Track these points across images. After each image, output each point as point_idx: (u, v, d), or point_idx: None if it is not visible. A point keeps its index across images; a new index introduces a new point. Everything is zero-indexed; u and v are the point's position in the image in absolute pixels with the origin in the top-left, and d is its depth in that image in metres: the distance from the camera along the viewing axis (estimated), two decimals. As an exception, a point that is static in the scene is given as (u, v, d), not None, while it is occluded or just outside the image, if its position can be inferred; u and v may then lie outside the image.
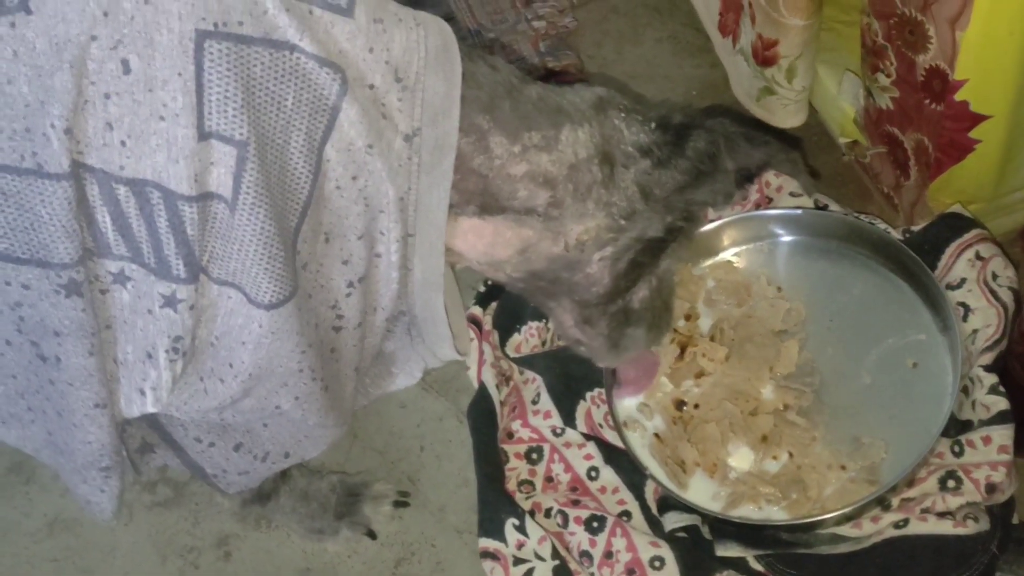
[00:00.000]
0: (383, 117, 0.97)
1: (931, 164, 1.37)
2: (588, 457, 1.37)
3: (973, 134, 1.29)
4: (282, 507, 1.37)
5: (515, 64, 1.20)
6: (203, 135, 0.88)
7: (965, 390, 1.29)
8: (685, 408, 1.36)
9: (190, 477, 1.34)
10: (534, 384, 1.42)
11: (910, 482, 1.25)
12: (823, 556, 1.24)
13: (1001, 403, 1.25)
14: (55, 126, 0.85)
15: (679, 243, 1.19)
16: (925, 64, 1.28)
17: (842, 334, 1.39)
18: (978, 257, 1.35)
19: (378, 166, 0.98)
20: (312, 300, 1.03)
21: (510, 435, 1.40)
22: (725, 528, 1.26)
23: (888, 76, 1.36)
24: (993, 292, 1.32)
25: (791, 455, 1.30)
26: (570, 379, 1.41)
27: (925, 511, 1.21)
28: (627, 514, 1.33)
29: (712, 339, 1.39)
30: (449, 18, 1.47)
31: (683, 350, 1.39)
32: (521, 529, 1.30)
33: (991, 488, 1.21)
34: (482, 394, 1.43)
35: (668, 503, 1.30)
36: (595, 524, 1.29)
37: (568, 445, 1.38)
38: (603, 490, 1.35)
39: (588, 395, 1.40)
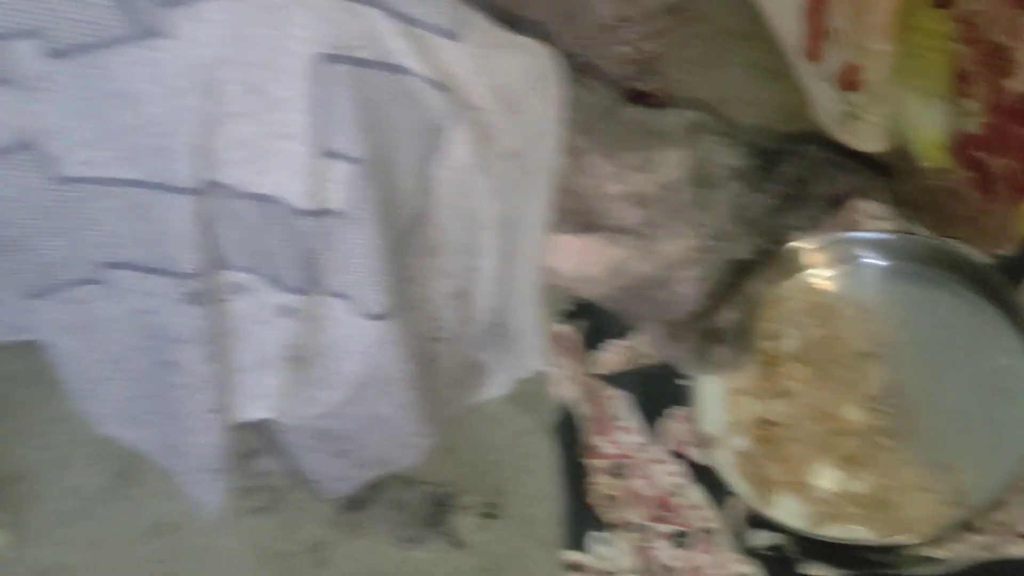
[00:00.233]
0: (488, 137, 1.02)
1: (1020, 189, 1.37)
2: (672, 474, 1.39)
3: (1063, 159, 1.30)
4: (375, 515, 1.41)
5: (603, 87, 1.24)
6: (321, 153, 0.93)
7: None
8: (769, 427, 1.38)
9: (286, 484, 1.39)
10: (618, 401, 1.45)
11: (999, 505, 1.25)
12: (910, 578, 1.25)
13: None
14: (186, 144, 0.90)
15: (767, 265, 1.22)
16: (1014, 90, 1.29)
17: (928, 356, 1.40)
18: (1068, 281, 1.36)
19: (482, 184, 1.03)
20: (415, 312, 1.08)
21: (594, 450, 1.43)
22: (812, 547, 1.28)
23: (976, 102, 1.38)
24: (1083, 316, 1.33)
25: (877, 476, 1.31)
26: (655, 397, 1.43)
27: (1020, 535, 1.21)
28: (712, 530, 1.35)
29: (796, 359, 1.40)
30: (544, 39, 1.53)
31: (767, 369, 1.41)
32: (605, 542, 1.33)
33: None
34: (567, 409, 1.46)
35: (754, 521, 1.32)
36: (680, 539, 1.31)
37: (653, 461, 1.40)
38: (688, 506, 1.37)
39: (673, 413, 1.42)
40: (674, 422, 1.42)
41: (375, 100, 0.94)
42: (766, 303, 1.43)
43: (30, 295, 1.01)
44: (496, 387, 1.31)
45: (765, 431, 1.37)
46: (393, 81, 0.95)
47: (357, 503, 1.38)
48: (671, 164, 1.10)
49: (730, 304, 1.23)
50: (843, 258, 1.48)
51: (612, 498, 1.39)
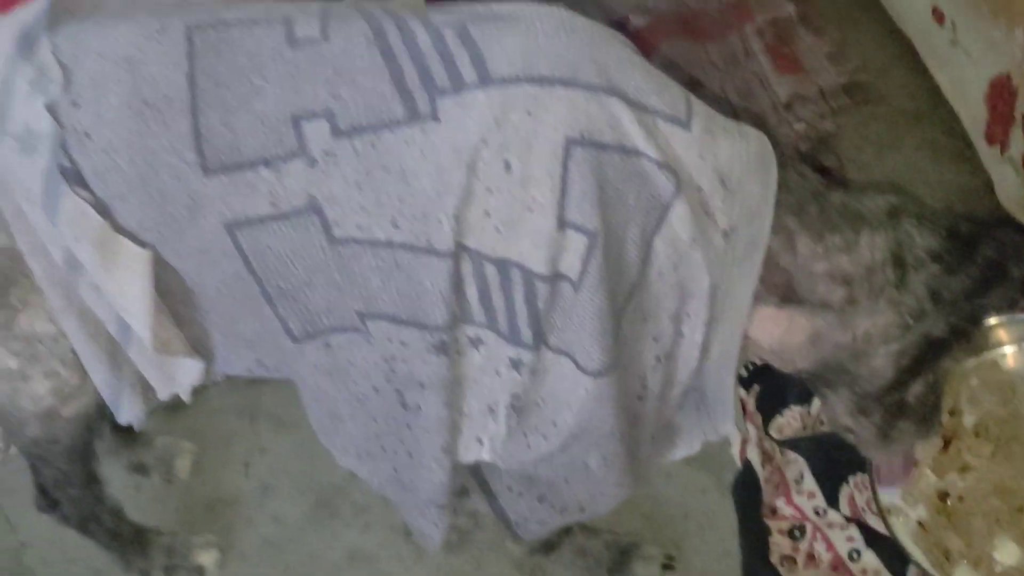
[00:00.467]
0: (706, 215, 1.11)
1: None
2: (850, 539, 1.44)
3: None
4: (562, 559, 1.50)
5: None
6: (562, 225, 1.04)
7: None
8: (949, 500, 1.42)
9: (475, 524, 1.49)
10: (797, 465, 1.51)
11: None
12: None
13: None
14: (447, 213, 1.03)
15: (960, 344, 1.26)
16: None
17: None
18: None
19: (698, 258, 1.12)
20: (626, 371, 1.17)
21: (773, 511, 1.49)
22: (989, 619, 1.31)
23: None
24: None
25: (1058, 554, 1.33)
26: (833, 463, 1.49)
27: None
28: (888, 596, 1.39)
29: (976, 435, 1.44)
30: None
31: (947, 444, 1.45)
32: (783, 601, 1.39)
33: None
34: (747, 470, 1.52)
35: (932, 589, 1.36)
36: (857, 603, 1.36)
37: (831, 525, 1.46)
38: (864, 572, 1.42)
39: (851, 479, 1.48)
40: (853, 489, 1.47)
41: (611, 179, 1.05)
42: (952, 378, 1.48)
43: (295, 338, 1.14)
44: (687, 447, 1.38)
45: (944, 503, 1.42)
46: (628, 163, 1.05)
47: (548, 546, 1.47)
48: (874, 246, 1.16)
49: (920, 380, 1.27)
50: (1024, 336, 1.52)
51: (791, 559, 1.45)
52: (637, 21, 2.25)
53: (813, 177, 1.18)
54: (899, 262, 1.17)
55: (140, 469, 1.74)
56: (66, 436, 1.31)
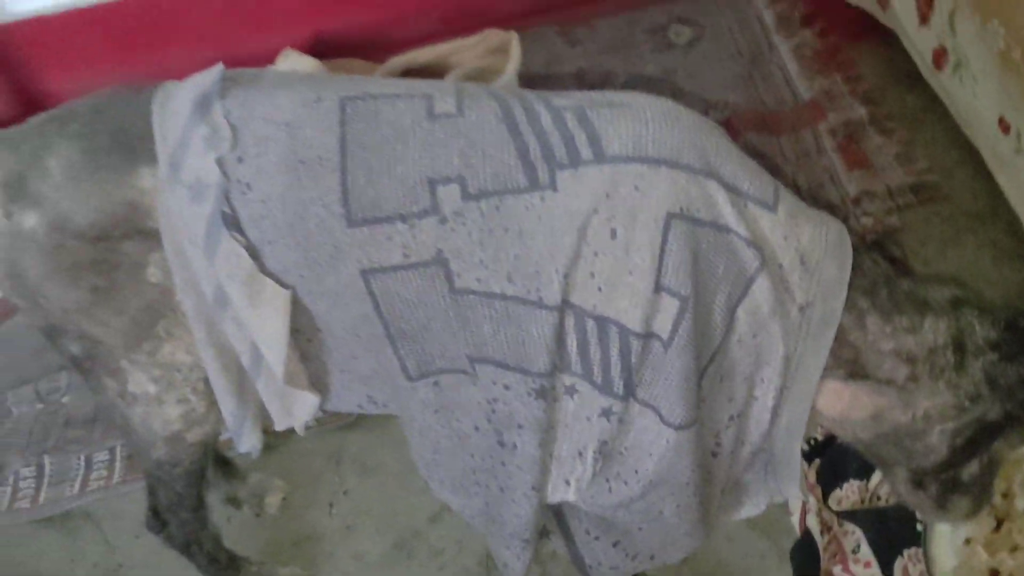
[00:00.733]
0: (785, 290, 1.23)
1: None
2: (904, 609, 1.52)
3: None
4: (629, 607, 1.59)
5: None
6: (658, 288, 1.17)
7: None
8: (999, 577, 1.49)
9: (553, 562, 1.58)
10: (854, 536, 1.59)
11: None
12: None
13: None
14: (557, 272, 1.16)
15: (1013, 429, 1.35)
16: None
17: None
18: None
19: (775, 328, 1.23)
20: (703, 427, 1.28)
21: (831, 578, 1.57)
22: None
23: None
24: None
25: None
26: (889, 535, 1.57)
27: None
28: (939, 664, 1.46)
29: (1028, 518, 1.52)
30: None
31: (999, 524, 1.53)
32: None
33: None
34: (806, 538, 1.61)
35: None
36: (909, 668, 1.44)
37: (886, 595, 1.53)
38: (916, 639, 1.49)
39: (906, 552, 1.56)
40: (907, 561, 1.55)
41: (704, 251, 1.17)
42: (1005, 464, 1.56)
43: (410, 377, 1.27)
44: (753, 507, 1.47)
45: (995, 580, 1.49)
46: (720, 238, 1.18)
47: (616, 591, 1.56)
48: (937, 331, 1.27)
49: (975, 460, 1.36)
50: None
51: (846, 623, 1.53)
52: (716, 116, 2.40)
53: (884, 264, 1.29)
54: (959, 347, 1.27)
55: (234, 502, 1.86)
56: (187, 459, 1.44)
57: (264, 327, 1.21)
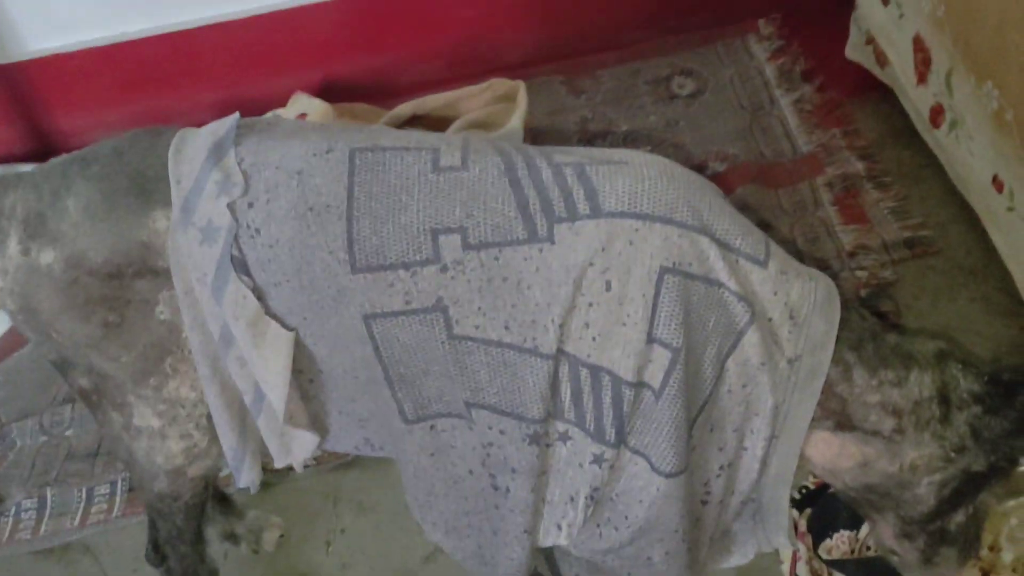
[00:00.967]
0: (775, 343, 1.26)
1: None
2: (890, 658, 1.53)
3: None
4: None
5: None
6: (650, 340, 1.20)
7: None
8: (985, 629, 1.51)
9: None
10: (843, 586, 1.61)
11: None
12: None
13: None
14: (553, 321, 1.19)
15: (998, 481, 1.38)
16: None
17: None
18: None
19: (764, 380, 1.27)
20: (693, 475, 1.31)
21: (819, 627, 1.59)
22: None
23: None
24: None
25: None
26: (877, 586, 1.59)
27: None
28: None
29: (1014, 571, 1.55)
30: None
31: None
32: None
33: None
34: (795, 587, 1.63)
35: None
36: None
37: (872, 643, 1.55)
38: None
39: (894, 602, 1.57)
40: (894, 611, 1.57)
41: (695, 304, 1.21)
42: (991, 516, 1.59)
43: (406, 420, 1.30)
44: (742, 555, 1.49)
45: (979, 632, 1.51)
46: (710, 292, 1.21)
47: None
48: (922, 384, 1.30)
49: (961, 511, 1.39)
50: (1066, 485, 1.63)
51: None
52: (716, 167, 2.45)
53: (871, 319, 1.33)
54: (944, 400, 1.30)
55: (231, 538, 1.89)
56: (188, 493, 1.47)
57: (267, 367, 1.25)
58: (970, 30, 1.95)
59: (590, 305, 1.20)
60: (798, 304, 1.26)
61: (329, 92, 2.70)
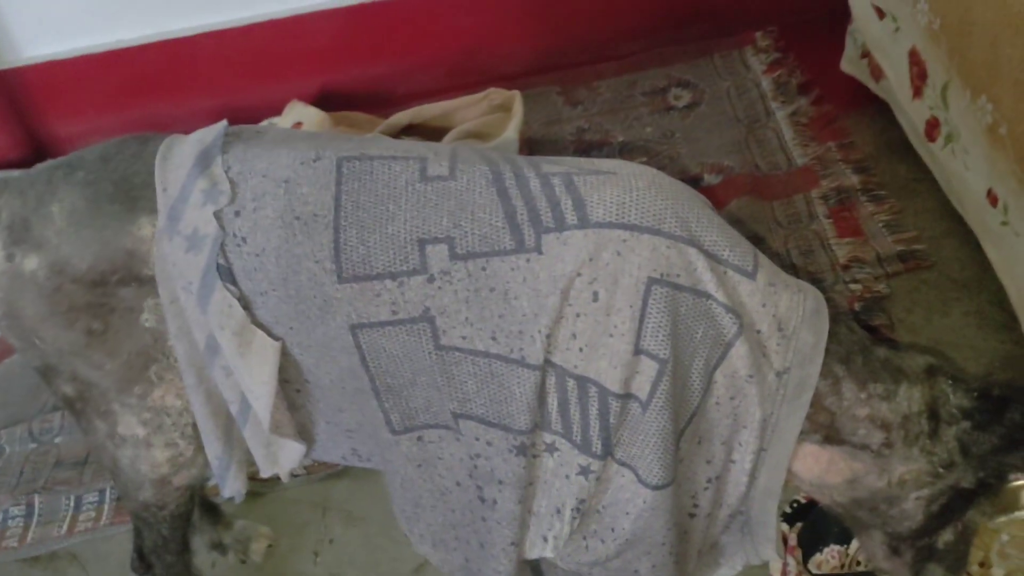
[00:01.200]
0: (763, 356, 1.26)
1: None
2: (878, 674, 1.52)
3: None
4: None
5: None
6: (637, 351, 1.20)
7: None
8: (975, 646, 1.50)
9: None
10: (832, 600, 1.60)
11: None
12: None
13: None
14: (540, 332, 1.19)
15: (987, 497, 1.37)
16: None
17: None
18: None
19: (752, 392, 1.26)
20: (680, 488, 1.30)
21: (807, 642, 1.58)
22: None
23: None
24: None
25: None
26: (867, 600, 1.58)
27: None
28: None
29: (1003, 588, 1.54)
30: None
31: (975, 593, 1.54)
32: None
33: None
34: (785, 601, 1.62)
35: None
36: None
37: (861, 659, 1.54)
38: None
39: (883, 618, 1.56)
40: (884, 627, 1.56)
41: (683, 316, 1.20)
42: (981, 532, 1.58)
43: (393, 430, 1.30)
44: (729, 568, 1.48)
45: (969, 649, 1.50)
46: (698, 303, 1.21)
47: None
48: (911, 398, 1.29)
49: (949, 528, 1.38)
50: (1057, 501, 1.62)
51: None
52: (711, 179, 2.45)
53: (861, 332, 1.32)
54: (933, 415, 1.30)
55: (219, 548, 1.88)
56: (173, 503, 1.46)
57: (252, 376, 1.24)
58: (965, 44, 1.94)
59: (577, 316, 1.19)
60: (786, 316, 1.25)
61: (326, 101, 2.71)
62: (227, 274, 1.22)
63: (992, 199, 1.98)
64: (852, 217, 2.32)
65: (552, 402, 1.23)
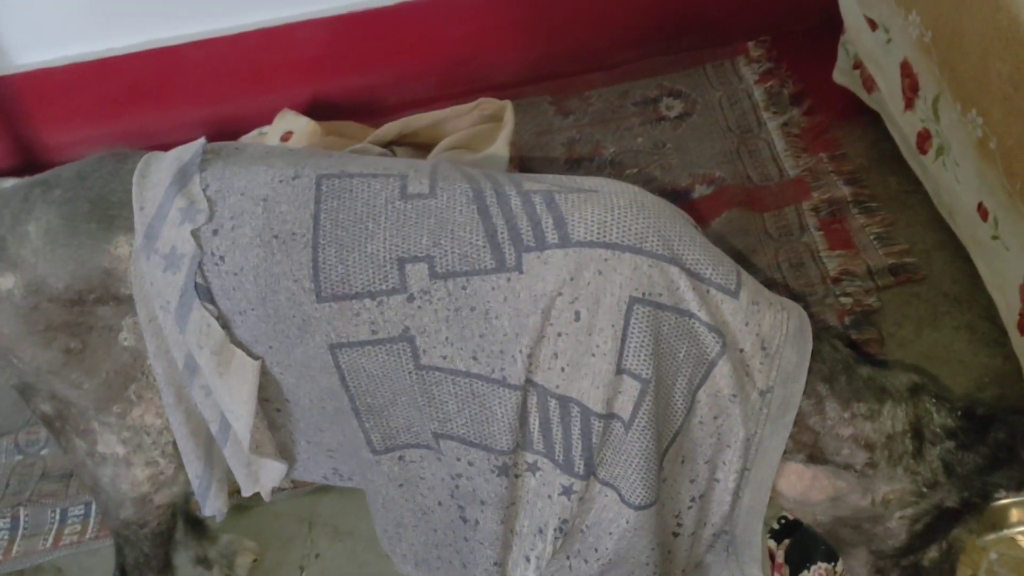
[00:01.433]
0: (746, 375, 1.25)
1: None
2: None
3: None
4: None
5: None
6: (619, 371, 1.19)
7: None
8: (963, 666, 1.49)
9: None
10: (820, 618, 1.59)
11: None
12: None
13: None
14: (522, 352, 1.18)
15: (972, 516, 1.37)
16: None
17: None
18: None
19: (736, 411, 1.25)
20: (663, 508, 1.29)
21: (794, 660, 1.57)
22: None
23: None
24: None
25: None
26: (854, 618, 1.57)
27: None
28: None
29: (992, 607, 1.53)
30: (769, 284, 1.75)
31: (962, 612, 1.53)
32: None
33: None
34: (771, 619, 1.61)
35: None
36: None
37: (849, 678, 1.53)
38: None
39: (870, 637, 1.55)
40: (870, 646, 1.55)
41: (665, 335, 1.20)
42: (970, 550, 1.57)
43: (374, 450, 1.29)
44: (715, 586, 1.48)
45: (956, 669, 1.49)
46: (681, 322, 1.20)
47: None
48: (896, 418, 1.29)
49: (934, 547, 1.37)
50: (1045, 519, 1.61)
51: None
52: (702, 190, 2.43)
53: (844, 351, 1.32)
54: (917, 434, 1.29)
55: (204, 562, 1.86)
56: (154, 521, 1.45)
57: (232, 396, 1.23)
58: (955, 57, 1.94)
59: (559, 335, 1.19)
60: (770, 335, 1.24)
61: (317, 110, 2.70)
62: (205, 293, 1.21)
63: (982, 213, 1.97)
64: (843, 229, 2.31)
65: (534, 422, 1.22)
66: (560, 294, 1.17)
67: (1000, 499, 1.59)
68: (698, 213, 2.35)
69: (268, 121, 2.62)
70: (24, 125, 2.77)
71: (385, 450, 1.28)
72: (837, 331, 2.10)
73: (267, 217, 1.21)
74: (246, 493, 1.36)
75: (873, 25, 2.30)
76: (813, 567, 1.67)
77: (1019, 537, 1.61)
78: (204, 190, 1.23)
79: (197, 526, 1.83)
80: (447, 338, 1.19)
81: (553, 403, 1.21)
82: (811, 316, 1.34)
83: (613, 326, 1.18)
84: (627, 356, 1.18)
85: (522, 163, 2.50)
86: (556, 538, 1.27)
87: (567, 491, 1.24)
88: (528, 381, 1.20)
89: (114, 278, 1.24)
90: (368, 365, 1.22)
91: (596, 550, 1.28)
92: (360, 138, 2.54)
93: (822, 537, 1.55)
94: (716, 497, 1.32)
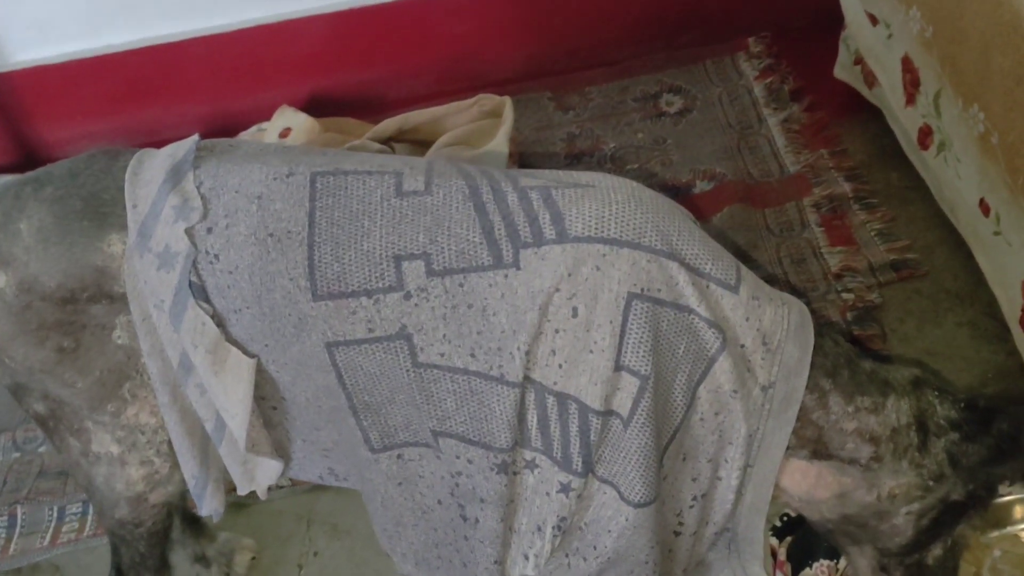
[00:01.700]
0: (747, 370, 1.24)
1: None
2: None
3: None
4: None
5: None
6: (617, 367, 1.17)
7: None
8: (966, 665, 1.48)
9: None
10: (821, 616, 1.58)
11: None
12: None
13: None
14: (519, 348, 1.17)
15: (977, 511, 1.36)
16: None
17: None
18: None
19: (737, 407, 1.24)
20: (664, 506, 1.28)
21: (796, 659, 1.56)
22: None
23: None
24: None
25: None
26: (855, 616, 1.56)
27: None
28: None
29: (994, 604, 1.52)
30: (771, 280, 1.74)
31: (965, 609, 1.52)
32: None
33: None
34: (773, 617, 1.60)
35: None
36: None
37: (851, 677, 1.52)
38: None
39: (872, 635, 1.54)
40: (873, 644, 1.54)
41: (664, 331, 1.18)
42: (974, 548, 1.56)
43: (372, 449, 1.28)
44: (716, 585, 1.47)
45: (959, 667, 1.48)
46: (680, 318, 1.19)
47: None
48: (900, 411, 1.28)
49: (939, 543, 1.36)
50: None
51: None
52: (703, 186, 2.42)
53: (846, 345, 1.30)
54: (922, 427, 1.28)
55: (202, 561, 1.85)
56: (150, 520, 1.44)
57: (227, 394, 1.22)
58: (956, 52, 1.92)
59: (557, 332, 1.17)
60: (771, 330, 1.23)
61: (316, 106, 2.68)
62: (200, 292, 1.20)
63: (984, 208, 1.96)
64: (844, 225, 2.29)
65: (532, 419, 1.21)
66: (558, 290, 1.16)
67: (1004, 496, 1.58)
68: (699, 209, 2.33)
69: (267, 117, 2.61)
70: (23, 122, 2.76)
71: (383, 448, 1.27)
72: (839, 327, 2.09)
73: (262, 215, 1.20)
74: (242, 492, 1.35)
75: (874, 20, 2.29)
76: (815, 564, 1.66)
77: (1023, 534, 1.60)
78: (198, 187, 1.22)
79: (195, 524, 1.82)
80: (444, 336, 1.18)
81: (551, 400, 1.20)
82: (813, 312, 1.33)
83: (611, 322, 1.16)
84: (625, 352, 1.17)
85: (522, 159, 2.49)
86: (555, 536, 1.26)
87: (565, 488, 1.23)
88: (526, 378, 1.19)
89: (107, 276, 1.23)
90: (365, 363, 1.20)
91: (595, 548, 1.27)
92: (359, 134, 2.53)
93: (824, 535, 1.54)
94: (719, 495, 1.31)
